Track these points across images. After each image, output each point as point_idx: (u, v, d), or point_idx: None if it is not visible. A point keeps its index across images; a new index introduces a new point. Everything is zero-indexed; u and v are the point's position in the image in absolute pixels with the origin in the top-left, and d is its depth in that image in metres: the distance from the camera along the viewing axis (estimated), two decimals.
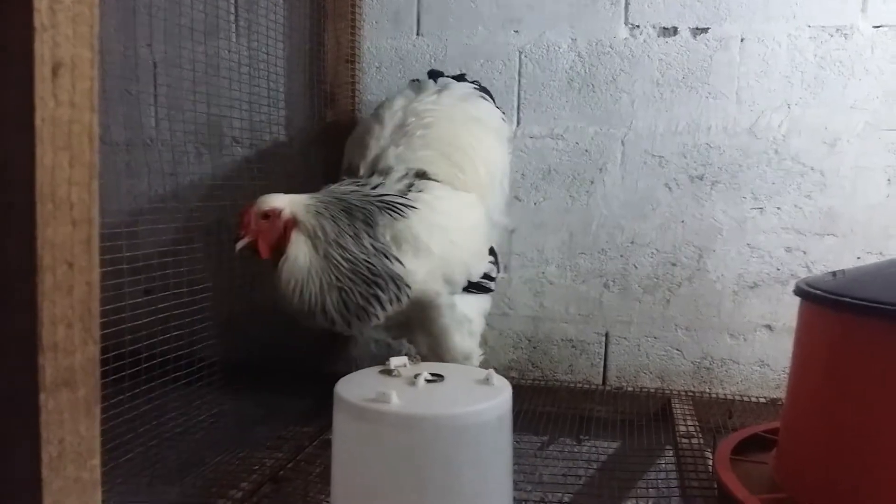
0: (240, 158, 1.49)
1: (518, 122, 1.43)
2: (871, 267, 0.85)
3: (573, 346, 1.45)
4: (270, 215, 1.00)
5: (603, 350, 1.44)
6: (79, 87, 0.37)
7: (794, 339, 0.89)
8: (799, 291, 0.85)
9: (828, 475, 0.79)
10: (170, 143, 1.51)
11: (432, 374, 0.73)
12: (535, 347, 1.46)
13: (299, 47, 1.48)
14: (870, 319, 0.75)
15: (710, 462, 1.04)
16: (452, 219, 1.12)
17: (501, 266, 1.46)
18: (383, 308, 1.02)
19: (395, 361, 0.76)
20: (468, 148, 1.21)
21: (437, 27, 1.45)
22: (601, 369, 1.45)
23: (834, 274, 0.87)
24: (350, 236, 1.01)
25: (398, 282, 1.03)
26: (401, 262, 1.03)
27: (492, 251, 1.22)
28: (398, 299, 1.02)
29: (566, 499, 1.49)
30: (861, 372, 0.76)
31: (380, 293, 1.01)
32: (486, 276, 1.19)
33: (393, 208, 1.05)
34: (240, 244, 0.99)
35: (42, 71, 0.36)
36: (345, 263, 1.00)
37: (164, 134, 1.53)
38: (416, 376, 0.72)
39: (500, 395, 0.69)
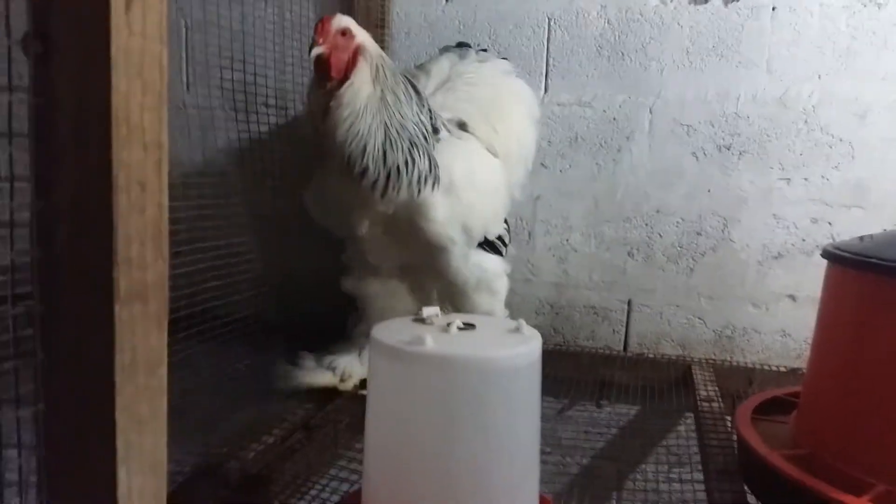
0: (271, 122, 1.50)
1: (546, 90, 1.44)
2: None
3: (595, 313, 1.47)
4: (346, 34, 0.98)
5: (625, 317, 1.46)
6: (149, 19, 0.40)
7: (819, 302, 0.90)
8: (826, 254, 0.87)
9: (849, 432, 0.80)
10: (201, 107, 1.53)
11: (464, 323, 0.75)
12: (557, 313, 1.48)
13: (330, 11, 1.49)
14: (893, 280, 0.76)
15: (730, 425, 1.06)
16: (483, 173, 1.14)
17: (526, 232, 1.48)
18: (417, 177, 1.02)
19: (428, 311, 0.78)
20: (506, 116, 1.24)
21: None
22: (623, 336, 1.47)
23: (861, 238, 0.88)
24: (406, 95, 1.02)
25: (433, 165, 1.04)
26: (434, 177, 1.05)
27: (505, 222, 1.25)
28: (427, 180, 1.03)
29: (584, 461, 1.52)
30: (885, 331, 0.77)
31: (417, 158, 1.01)
32: (500, 240, 1.21)
33: (437, 130, 1.08)
34: (315, 51, 0.95)
35: (117, 4, 0.38)
36: (396, 113, 1.01)
37: (195, 98, 1.55)
38: (448, 324, 0.74)
39: (531, 343, 0.71)
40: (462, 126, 1.17)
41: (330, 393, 1.17)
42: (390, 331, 0.72)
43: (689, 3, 1.35)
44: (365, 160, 0.99)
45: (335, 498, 0.86)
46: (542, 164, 1.45)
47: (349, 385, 1.17)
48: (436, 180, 1.05)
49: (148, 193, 0.40)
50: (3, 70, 0.44)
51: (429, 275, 1.18)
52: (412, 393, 0.68)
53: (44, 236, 0.41)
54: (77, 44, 0.39)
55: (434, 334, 0.70)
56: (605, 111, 1.41)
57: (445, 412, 0.67)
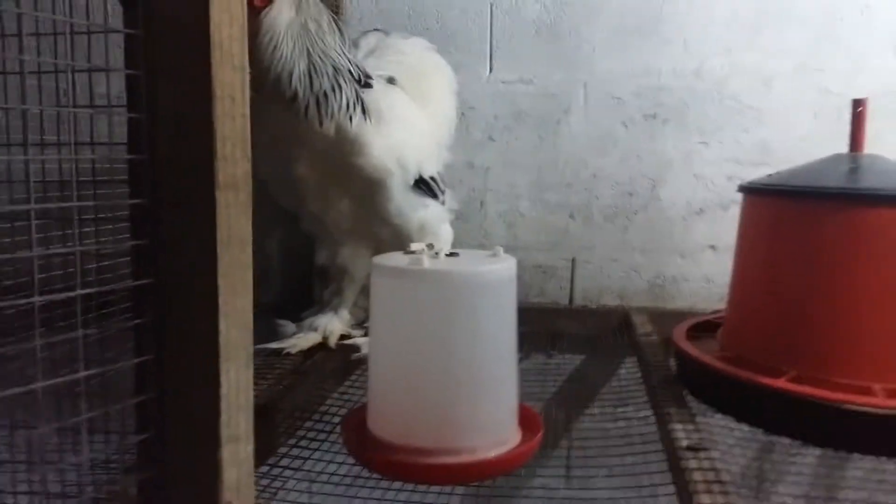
0: None
1: (491, 69, 1.58)
2: (799, 167, 1.03)
3: (543, 272, 1.62)
4: None
5: (570, 274, 1.61)
6: None
7: (737, 230, 1.07)
8: (742, 189, 1.03)
9: (767, 331, 0.97)
10: None
11: (449, 252, 0.88)
12: None
13: None
14: (797, 201, 0.93)
15: (667, 354, 1.21)
16: (411, 111, 1.25)
17: (478, 202, 1.62)
18: (344, 105, 1.09)
19: (416, 246, 0.90)
20: (431, 81, 1.35)
21: None
22: (568, 291, 1.62)
23: (769, 176, 1.05)
24: (330, 27, 1.10)
25: (359, 97, 1.11)
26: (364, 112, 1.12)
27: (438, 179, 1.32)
28: (355, 107, 1.10)
29: (538, 407, 1.66)
30: (792, 243, 0.94)
31: (343, 85, 1.09)
32: (435, 183, 1.29)
33: (368, 76, 1.16)
34: None
35: None
36: (319, 41, 1.08)
37: None
38: (436, 253, 0.86)
39: (509, 262, 0.84)
40: (391, 81, 1.26)
41: (311, 350, 1.26)
42: (390, 259, 0.84)
43: None
44: (293, 85, 1.06)
45: (343, 412, 0.96)
46: (490, 138, 1.58)
47: (332, 341, 1.26)
48: (365, 111, 1.12)
49: (236, 105, 0.51)
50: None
51: (378, 227, 1.25)
52: (413, 306, 0.80)
53: (150, 144, 0.51)
54: None
55: (428, 259, 0.82)
56: (544, 87, 1.56)
57: (442, 320, 0.80)
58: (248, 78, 0.52)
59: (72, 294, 0.47)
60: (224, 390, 0.51)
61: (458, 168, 1.57)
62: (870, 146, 1.47)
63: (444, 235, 1.32)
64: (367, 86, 1.16)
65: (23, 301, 0.47)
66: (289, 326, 1.30)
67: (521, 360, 1.60)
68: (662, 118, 1.53)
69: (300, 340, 1.24)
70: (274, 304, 1.45)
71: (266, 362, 1.17)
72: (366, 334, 1.27)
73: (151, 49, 0.51)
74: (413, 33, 1.55)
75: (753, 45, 1.49)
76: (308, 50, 1.08)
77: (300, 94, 1.07)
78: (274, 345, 1.20)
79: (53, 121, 0.52)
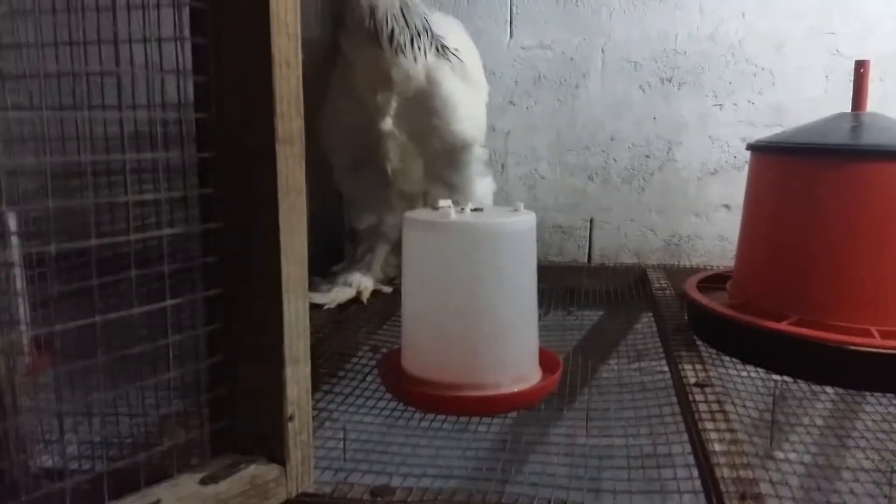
0: None
1: (511, 35, 1.63)
2: (804, 126, 1.09)
3: (562, 232, 1.69)
4: None
5: (588, 234, 1.68)
6: None
7: (746, 186, 1.13)
8: (751, 146, 1.09)
9: (772, 280, 1.04)
10: None
11: (474, 208, 0.95)
12: None
13: None
14: (801, 157, 0.99)
15: (681, 306, 1.28)
16: (480, 85, 1.33)
17: (500, 164, 1.68)
18: (433, 47, 1.16)
19: (443, 202, 0.97)
20: (473, 64, 1.36)
21: None
22: (587, 250, 1.69)
23: (776, 133, 1.11)
24: None
25: (444, 43, 1.19)
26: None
27: None
28: (446, 49, 1.18)
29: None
30: (796, 198, 1.00)
31: (431, 33, 1.16)
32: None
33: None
34: None
35: None
36: None
37: None
38: (462, 209, 0.94)
39: (529, 215, 0.91)
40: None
41: (345, 304, 1.34)
42: (420, 214, 0.92)
43: None
44: (390, 20, 1.12)
45: (378, 355, 1.05)
46: (511, 102, 1.64)
47: (366, 296, 1.35)
48: (452, 55, 1.18)
49: (291, 69, 0.58)
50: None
51: (440, 191, 1.32)
52: (443, 256, 0.88)
53: (214, 104, 0.59)
54: None
55: (455, 213, 0.89)
56: (563, 52, 1.61)
57: (467, 268, 0.87)
58: (299, 45, 0.59)
59: (157, 234, 0.55)
60: (287, 317, 0.59)
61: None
62: (879, 106, 1.51)
63: (490, 203, 1.40)
64: (445, 48, 1.21)
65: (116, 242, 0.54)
66: (322, 284, 1.38)
67: (541, 316, 1.69)
68: (678, 81, 1.58)
69: (337, 294, 1.32)
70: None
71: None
72: (396, 290, 1.36)
73: (216, 20, 0.58)
74: (437, 0, 1.61)
75: (767, 9, 1.53)
76: None
77: (396, 30, 1.12)
78: (315, 298, 1.28)
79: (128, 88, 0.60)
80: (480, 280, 0.87)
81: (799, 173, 1.01)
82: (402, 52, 1.13)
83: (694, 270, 1.62)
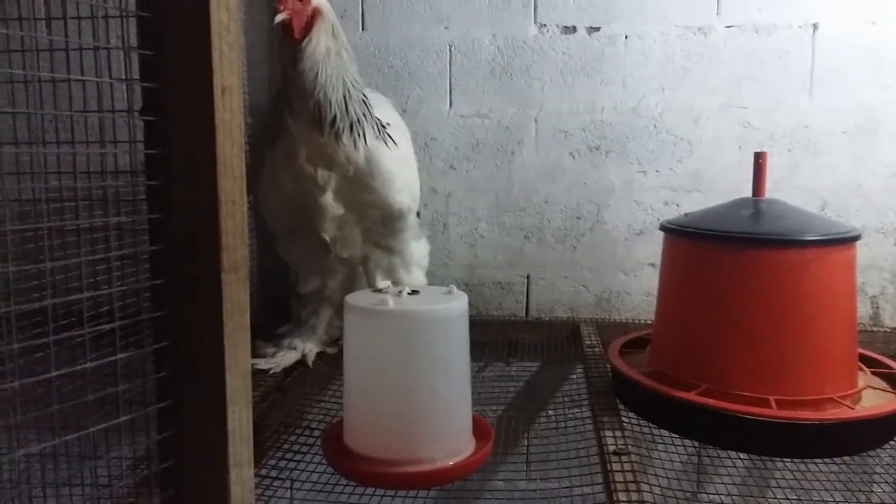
0: None
1: (451, 104, 1.73)
2: (710, 209, 1.21)
3: (501, 288, 1.78)
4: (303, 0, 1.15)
5: (525, 289, 1.78)
6: (234, 100, 0.65)
7: (660, 262, 1.23)
8: (662, 227, 1.20)
9: (683, 352, 1.14)
10: None
11: (411, 290, 1.03)
12: (471, 290, 1.78)
13: (259, 45, 1.71)
14: (702, 242, 1.10)
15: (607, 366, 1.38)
16: (411, 157, 1.41)
17: (441, 224, 1.77)
18: (371, 130, 1.23)
19: (382, 284, 1.05)
20: (401, 135, 1.42)
21: (379, 24, 1.72)
22: (524, 305, 1.78)
23: (686, 214, 1.22)
24: (351, 60, 1.22)
25: (382, 124, 1.26)
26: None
27: None
28: (383, 133, 1.26)
29: (499, 411, 1.83)
30: (702, 279, 1.11)
31: (370, 116, 1.23)
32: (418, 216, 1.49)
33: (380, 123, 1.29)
34: (279, 17, 1.12)
35: (216, 92, 0.63)
36: (351, 69, 1.21)
37: None
38: (399, 292, 1.01)
39: (461, 300, 0.99)
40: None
41: (290, 368, 1.40)
42: (359, 298, 0.99)
43: (561, 34, 1.67)
44: (332, 109, 1.18)
45: (322, 426, 1.11)
46: (451, 167, 1.74)
47: (311, 359, 1.41)
48: (388, 137, 1.26)
49: (236, 206, 0.65)
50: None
51: (380, 256, 1.41)
52: (380, 339, 0.95)
53: (161, 236, 0.66)
54: (188, 114, 0.64)
55: (392, 298, 0.97)
56: (499, 121, 1.72)
57: (404, 350, 0.95)
58: (244, 184, 0.67)
59: (113, 358, 0.61)
60: (231, 426, 0.66)
61: (423, 194, 1.71)
62: (789, 174, 1.67)
63: (426, 266, 1.48)
64: (383, 125, 1.29)
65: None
66: (267, 348, 1.43)
67: (482, 367, 1.79)
68: (605, 150, 1.70)
69: (282, 359, 1.38)
70: (252, 323, 1.59)
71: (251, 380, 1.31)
72: (340, 351, 1.42)
73: (169, 164, 0.65)
74: (379, 71, 1.70)
75: (684, 85, 1.66)
76: (343, 77, 1.20)
77: (338, 116, 1.19)
78: (260, 364, 1.33)
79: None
80: (416, 362, 0.95)
81: (704, 256, 1.12)
82: (343, 139, 1.21)
83: (623, 324, 1.73)
